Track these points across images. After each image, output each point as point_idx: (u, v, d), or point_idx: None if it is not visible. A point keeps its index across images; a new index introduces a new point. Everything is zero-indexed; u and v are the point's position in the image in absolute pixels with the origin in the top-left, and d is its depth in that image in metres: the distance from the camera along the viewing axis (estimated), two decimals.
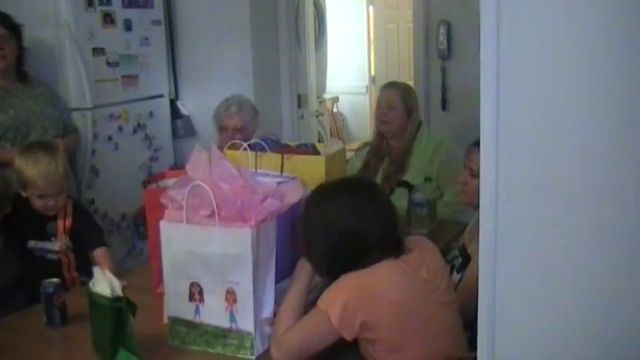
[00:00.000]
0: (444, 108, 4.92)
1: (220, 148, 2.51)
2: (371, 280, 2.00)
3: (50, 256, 2.79)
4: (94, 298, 2.08)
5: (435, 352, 2.06)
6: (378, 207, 2.10)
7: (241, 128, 3.63)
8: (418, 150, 3.68)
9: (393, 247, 2.09)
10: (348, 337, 2.00)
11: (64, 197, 2.81)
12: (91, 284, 2.11)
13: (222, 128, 3.69)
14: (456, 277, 2.57)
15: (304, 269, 2.16)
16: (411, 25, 5.56)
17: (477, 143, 2.70)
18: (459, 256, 2.64)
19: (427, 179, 3.36)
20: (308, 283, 2.15)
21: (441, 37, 4.83)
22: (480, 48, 1.37)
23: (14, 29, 3.45)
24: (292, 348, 2.04)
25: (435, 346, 2.06)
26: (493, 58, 1.34)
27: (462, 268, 2.58)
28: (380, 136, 3.83)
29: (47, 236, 2.80)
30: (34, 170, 2.70)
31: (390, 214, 2.13)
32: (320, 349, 2.04)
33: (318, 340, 2.02)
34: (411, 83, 4.44)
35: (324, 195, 2.15)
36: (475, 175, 2.67)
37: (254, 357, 2.09)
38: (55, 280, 2.40)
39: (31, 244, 2.78)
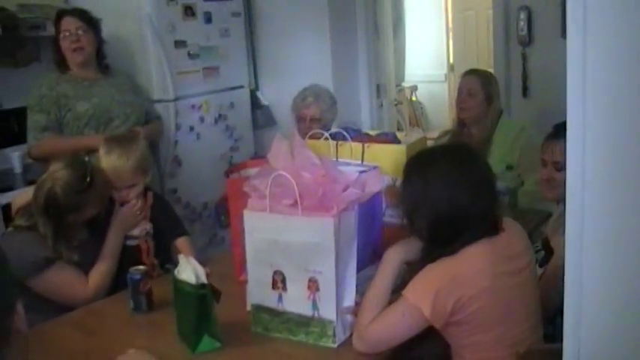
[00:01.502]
0: (524, 95, 4.83)
1: None
2: (459, 268, 1.98)
3: (129, 242, 2.85)
4: (179, 286, 2.12)
5: (512, 337, 2.03)
6: (481, 174, 2.09)
7: (319, 118, 3.64)
8: (499, 138, 3.63)
9: (491, 223, 2.06)
10: (439, 325, 1.99)
11: (137, 190, 2.84)
12: (176, 272, 2.15)
13: (299, 118, 3.70)
14: (538, 270, 2.52)
15: (391, 260, 2.13)
16: (490, 11, 5.46)
17: (553, 136, 2.66)
18: (542, 249, 2.59)
19: (508, 167, 3.31)
20: (394, 274, 2.12)
21: (521, 24, 4.73)
22: (567, 34, 1.34)
23: (91, 23, 3.56)
24: (377, 339, 2.04)
25: (513, 330, 2.04)
26: (580, 44, 1.31)
27: (544, 262, 2.54)
28: (460, 123, 3.80)
29: None
30: (106, 162, 2.77)
31: (492, 183, 2.11)
32: (404, 340, 2.03)
33: (405, 331, 2.01)
34: (490, 71, 4.37)
35: (426, 160, 2.13)
36: (560, 168, 2.61)
37: (336, 345, 2.09)
38: (141, 267, 2.46)
39: None
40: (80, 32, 3.50)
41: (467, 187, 2.02)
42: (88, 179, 2.56)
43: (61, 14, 3.55)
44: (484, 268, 1.98)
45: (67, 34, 3.48)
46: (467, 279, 1.97)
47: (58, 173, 2.56)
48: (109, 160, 2.77)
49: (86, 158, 2.62)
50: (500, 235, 2.07)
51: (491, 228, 2.05)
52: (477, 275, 1.97)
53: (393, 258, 2.13)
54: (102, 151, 2.80)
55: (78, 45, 3.49)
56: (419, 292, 1.97)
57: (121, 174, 2.78)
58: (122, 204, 2.83)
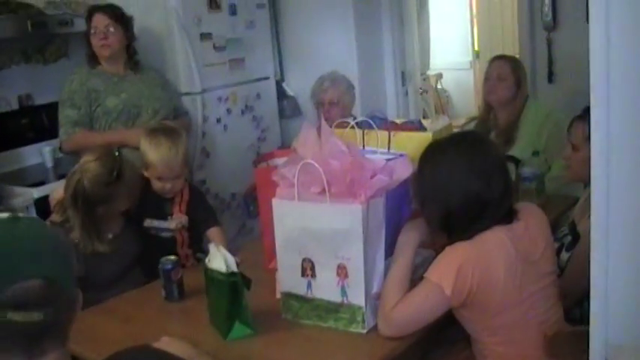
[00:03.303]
0: (550, 81, 4.81)
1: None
2: (479, 250, 2.01)
3: (164, 234, 2.89)
4: (210, 274, 2.16)
5: (530, 318, 2.06)
6: (493, 162, 2.09)
7: (337, 102, 3.69)
8: (525, 123, 3.64)
9: (505, 212, 2.08)
10: (456, 304, 2.02)
11: (181, 182, 2.89)
12: (207, 260, 2.19)
13: (318, 104, 3.75)
14: (565, 255, 2.53)
15: (408, 241, 2.16)
16: None
17: (579, 117, 2.66)
18: (569, 233, 2.59)
19: (535, 153, 3.31)
20: (412, 256, 2.15)
21: (546, 9, 4.71)
22: (589, 17, 1.34)
23: (121, 20, 3.60)
24: (402, 322, 2.06)
25: (530, 312, 2.06)
26: (602, 26, 1.32)
27: (571, 246, 2.54)
28: (487, 108, 3.80)
29: (163, 216, 2.90)
30: (156, 154, 2.79)
31: (504, 170, 2.12)
32: (429, 322, 2.06)
33: (430, 313, 2.04)
34: (516, 56, 4.36)
35: (437, 150, 2.15)
36: (577, 149, 2.62)
37: (365, 331, 2.12)
38: (172, 257, 2.50)
39: (147, 222, 2.88)
40: (110, 29, 3.54)
41: (477, 175, 2.04)
42: (116, 173, 2.59)
43: (92, 11, 3.60)
44: (502, 249, 2.01)
45: (96, 30, 3.53)
46: (486, 258, 2.00)
47: (87, 165, 2.61)
48: (159, 153, 2.79)
49: (116, 152, 2.65)
50: (518, 223, 2.09)
51: (505, 216, 2.08)
52: (496, 256, 2.01)
53: (411, 238, 2.16)
54: (148, 144, 2.82)
55: (105, 42, 3.53)
56: (440, 272, 2.01)
57: (173, 165, 2.81)
58: (162, 195, 2.88)
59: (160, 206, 2.90)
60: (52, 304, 1.24)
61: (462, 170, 2.05)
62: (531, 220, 2.14)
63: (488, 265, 1.99)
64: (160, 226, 2.89)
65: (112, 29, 3.55)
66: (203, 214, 2.98)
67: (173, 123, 3.46)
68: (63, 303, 1.28)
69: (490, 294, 2.00)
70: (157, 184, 2.85)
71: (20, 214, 1.39)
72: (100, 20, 3.53)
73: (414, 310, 2.05)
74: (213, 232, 2.92)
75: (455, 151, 2.10)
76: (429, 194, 2.12)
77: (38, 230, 1.32)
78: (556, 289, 2.17)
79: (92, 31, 3.54)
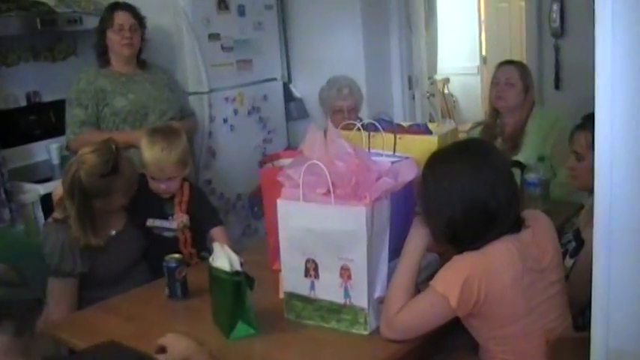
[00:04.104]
0: (557, 87, 4.81)
1: None
2: (486, 260, 1.99)
3: (167, 233, 2.90)
4: (214, 273, 2.17)
5: (538, 328, 2.05)
6: (498, 170, 2.06)
7: (354, 108, 3.70)
8: (531, 129, 3.63)
9: (513, 221, 2.06)
10: (463, 315, 2.01)
11: (176, 183, 2.89)
12: (211, 259, 2.20)
13: (335, 111, 3.70)
14: (569, 261, 2.52)
15: (415, 246, 2.14)
16: (522, 3, 5.45)
17: (580, 126, 2.66)
18: (573, 240, 2.58)
19: (540, 159, 3.31)
20: (419, 262, 2.14)
21: (554, 15, 4.72)
22: (595, 24, 1.35)
23: (142, 21, 3.64)
24: (405, 328, 2.06)
25: (538, 322, 2.05)
26: (608, 34, 1.32)
27: (575, 252, 2.53)
28: (494, 113, 3.80)
29: (165, 215, 2.91)
30: (149, 153, 2.81)
31: (510, 178, 2.10)
32: (432, 329, 2.06)
33: (434, 321, 2.04)
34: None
35: (440, 159, 2.12)
36: (580, 158, 2.61)
37: (367, 332, 2.12)
38: (176, 255, 2.50)
39: (149, 222, 2.89)
40: (135, 29, 3.58)
41: (483, 185, 2.01)
42: (112, 164, 2.60)
43: (114, 7, 3.61)
44: (510, 261, 1.99)
45: (119, 28, 3.54)
46: (493, 271, 1.98)
47: (84, 157, 2.63)
48: (152, 153, 2.81)
49: (113, 146, 2.66)
50: (525, 231, 2.08)
51: (513, 226, 2.06)
52: (503, 268, 1.99)
53: (419, 243, 2.14)
54: (145, 143, 2.84)
55: (130, 41, 3.56)
56: (446, 282, 1.99)
57: (164, 167, 2.81)
58: (158, 194, 2.88)
59: (160, 206, 2.92)
60: (12, 288, 1.33)
61: (466, 180, 2.01)
62: (538, 228, 2.13)
63: (496, 277, 1.97)
64: (162, 225, 2.90)
65: (135, 29, 3.58)
66: (205, 213, 2.99)
67: (179, 124, 3.47)
68: (24, 294, 1.37)
69: (497, 305, 1.99)
70: (152, 184, 2.87)
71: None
72: (126, 19, 3.56)
73: (418, 317, 2.05)
74: (216, 232, 2.93)
75: (459, 161, 2.07)
76: (433, 206, 2.08)
77: (18, 236, 1.43)
78: (565, 298, 2.16)
79: (116, 28, 3.55)
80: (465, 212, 2.01)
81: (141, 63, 3.74)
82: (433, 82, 7.25)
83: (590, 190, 2.54)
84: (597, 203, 1.44)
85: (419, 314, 2.04)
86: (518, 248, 2.02)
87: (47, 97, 4.20)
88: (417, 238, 2.16)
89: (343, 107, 3.67)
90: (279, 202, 2.17)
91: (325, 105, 3.80)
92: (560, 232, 2.77)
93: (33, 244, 1.47)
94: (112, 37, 3.56)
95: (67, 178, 2.62)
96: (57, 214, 2.68)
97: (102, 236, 2.66)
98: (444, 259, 2.31)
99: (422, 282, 2.13)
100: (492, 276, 1.97)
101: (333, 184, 2.04)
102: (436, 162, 2.12)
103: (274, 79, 4.61)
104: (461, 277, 1.96)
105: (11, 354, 1.34)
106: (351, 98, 3.69)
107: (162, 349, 1.89)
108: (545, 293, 2.07)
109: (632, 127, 1.35)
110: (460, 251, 2.05)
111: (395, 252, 2.19)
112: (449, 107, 7.78)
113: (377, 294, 2.15)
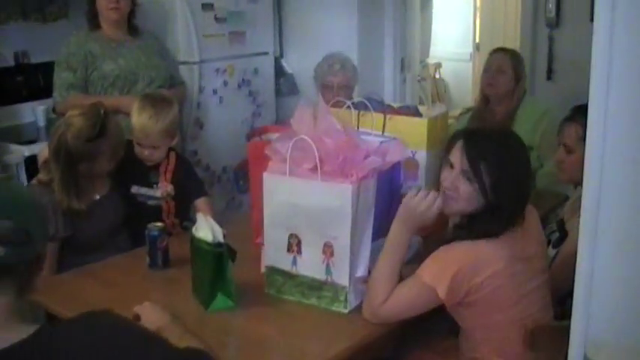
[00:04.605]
0: (549, 78, 4.81)
1: None
2: (477, 251, 2.00)
3: (150, 202, 2.90)
4: (196, 243, 2.15)
5: (525, 317, 2.06)
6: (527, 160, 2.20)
7: (346, 85, 3.65)
8: (521, 118, 3.63)
9: (523, 211, 2.10)
10: (450, 305, 2.02)
11: (160, 152, 2.88)
12: (193, 229, 2.19)
13: (325, 86, 3.67)
14: (551, 251, 2.53)
15: (401, 234, 2.08)
16: None
17: (569, 119, 2.66)
18: (557, 230, 2.59)
19: (529, 148, 3.31)
20: (405, 251, 2.10)
21: (550, 5, 4.70)
22: (594, 17, 1.34)
23: None
24: (391, 317, 2.06)
25: (525, 311, 2.06)
26: (607, 28, 1.31)
27: (558, 243, 2.53)
28: (484, 100, 3.79)
29: (150, 184, 2.90)
30: (137, 118, 2.81)
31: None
32: (417, 315, 2.06)
33: (418, 309, 2.05)
34: None
35: (499, 140, 2.14)
36: (570, 151, 2.61)
37: (347, 310, 2.12)
38: (159, 224, 2.49)
39: (134, 189, 2.89)
40: None
41: (529, 175, 2.20)
42: (99, 128, 2.59)
43: None
44: (501, 252, 2.00)
45: None
46: (484, 262, 1.98)
47: (71, 119, 2.62)
48: (139, 119, 2.80)
49: (101, 110, 2.64)
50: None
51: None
52: (494, 258, 1.99)
53: (405, 231, 2.08)
54: (135, 107, 2.84)
55: (116, 5, 3.50)
56: (435, 274, 1.99)
57: (149, 134, 2.81)
58: (141, 159, 2.87)
59: (146, 174, 2.91)
60: (15, 248, 1.29)
61: (522, 163, 2.13)
62: (529, 221, 2.14)
63: (486, 267, 1.97)
64: (147, 193, 2.90)
65: None
66: (190, 183, 2.98)
67: (169, 91, 3.44)
68: (27, 253, 1.33)
69: (487, 295, 1.99)
70: (136, 148, 2.86)
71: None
72: None
73: (403, 306, 2.04)
74: (200, 203, 2.92)
75: (515, 145, 2.14)
76: (499, 180, 2.02)
77: (20, 188, 1.38)
78: (548, 288, 2.17)
79: None
80: (521, 189, 2.09)
81: (132, 28, 3.68)
82: (425, 66, 7.23)
83: (577, 183, 2.55)
84: (585, 196, 1.44)
85: (405, 304, 2.04)
86: (506, 237, 2.03)
87: (36, 59, 4.16)
88: (404, 224, 2.08)
89: (333, 83, 3.63)
90: (265, 175, 2.16)
91: (317, 81, 3.78)
92: (544, 222, 2.77)
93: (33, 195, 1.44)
94: (100, 1, 3.52)
95: (54, 141, 2.60)
96: (41, 176, 2.67)
97: (85, 200, 2.65)
98: (427, 241, 2.31)
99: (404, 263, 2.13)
100: (482, 266, 1.98)
101: (320, 160, 2.02)
102: (497, 143, 2.10)
103: (266, 53, 4.58)
104: (450, 270, 1.96)
105: (12, 318, 1.32)
106: (342, 74, 3.65)
107: (138, 318, 1.88)
108: (532, 283, 2.08)
109: (625, 121, 1.35)
110: (448, 240, 2.05)
111: (378, 232, 2.18)
112: (439, 92, 7.77)
113: (359, 273, 2.14)
